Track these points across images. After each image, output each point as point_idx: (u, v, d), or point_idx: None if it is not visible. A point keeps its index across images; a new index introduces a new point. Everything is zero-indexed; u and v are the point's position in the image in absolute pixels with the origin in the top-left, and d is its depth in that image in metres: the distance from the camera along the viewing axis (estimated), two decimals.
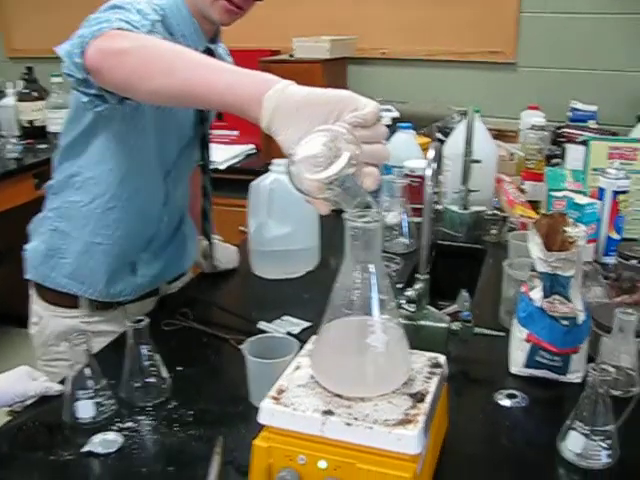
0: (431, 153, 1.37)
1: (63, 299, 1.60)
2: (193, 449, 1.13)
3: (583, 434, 1.06)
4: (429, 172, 1.35)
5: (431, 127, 2.86)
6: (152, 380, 1.27)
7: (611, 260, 1.81)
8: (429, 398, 0.97)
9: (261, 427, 0.98)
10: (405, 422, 0.91)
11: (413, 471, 0.90)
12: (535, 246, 1.26)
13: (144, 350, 1.26)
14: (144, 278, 1.64)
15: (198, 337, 1.50)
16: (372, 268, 0.95)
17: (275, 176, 1.77)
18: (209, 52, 1.51)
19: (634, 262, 1.64)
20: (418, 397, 0.97)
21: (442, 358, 1.08)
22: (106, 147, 1.47)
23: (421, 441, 0.90)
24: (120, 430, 1.18)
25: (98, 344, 1.43)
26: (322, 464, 0.93)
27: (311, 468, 0.93)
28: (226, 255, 1.87)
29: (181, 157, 1.61)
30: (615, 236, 1.84)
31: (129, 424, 1.20)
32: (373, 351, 0.96)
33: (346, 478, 0.92)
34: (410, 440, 0.89)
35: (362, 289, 0.96)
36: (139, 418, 1.22)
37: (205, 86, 1.04)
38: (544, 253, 1.24)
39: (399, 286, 1.41)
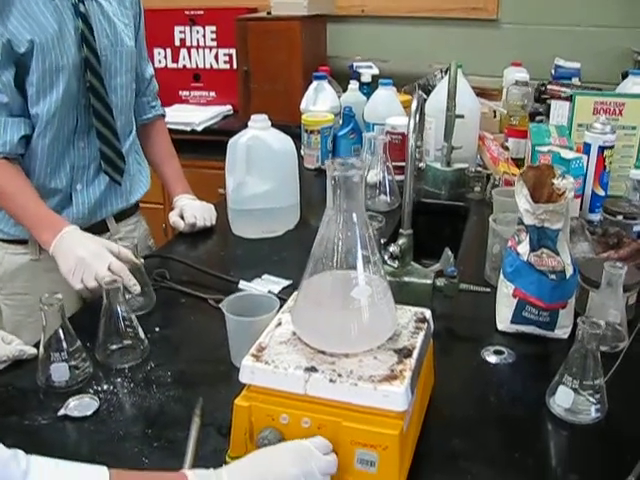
0: (414, 105, 1.33)
1: (14, 240, 1.70)
2: (172, 411, 1.10)
3: (572, 389, 1.04)
4: (412, 124, 1.31)
5: (412, 85, 2.81)
6: (129, 342, 1.24)
7: (596, 217, 1.79)
8: (415, 353, 0.94)
9: (242, 387, 0.95)
10: (391, 378, 0.88)
11: (400, 428, 0.87)
12: (522, 198, 1.22)
13: (120, 311, 1.23)
14: (83, 207, 1.69)
15: (176, 297, 1.47)
16: (355, 217, 0.92)
17: (253, 132, 1.72)
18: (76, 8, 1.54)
19: (620, 218, 1.62)
20: (404, 352, 0.94)
21: (428, 313, 1.05)
22: None
23: (408, 397, 0.87)
24: (96, 393, 1.15)
25: (49, 281, 1.50)
26: (305, 423, 0.90)
27: (294, 427, 0.90)
28: (202, 212, 1.82)
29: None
30: (600, 192, 1.81)
31: (105, 387, 1.17)
32: (357, 305, 0.92)
33: (331, 437, 0.89)
34: (396, 396, 0.86)
35: (345, 240, 0.92)
36: (116, 380, 1.19)
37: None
38: (531, 205, 1.20)
39: (382, 242, 1.37)
